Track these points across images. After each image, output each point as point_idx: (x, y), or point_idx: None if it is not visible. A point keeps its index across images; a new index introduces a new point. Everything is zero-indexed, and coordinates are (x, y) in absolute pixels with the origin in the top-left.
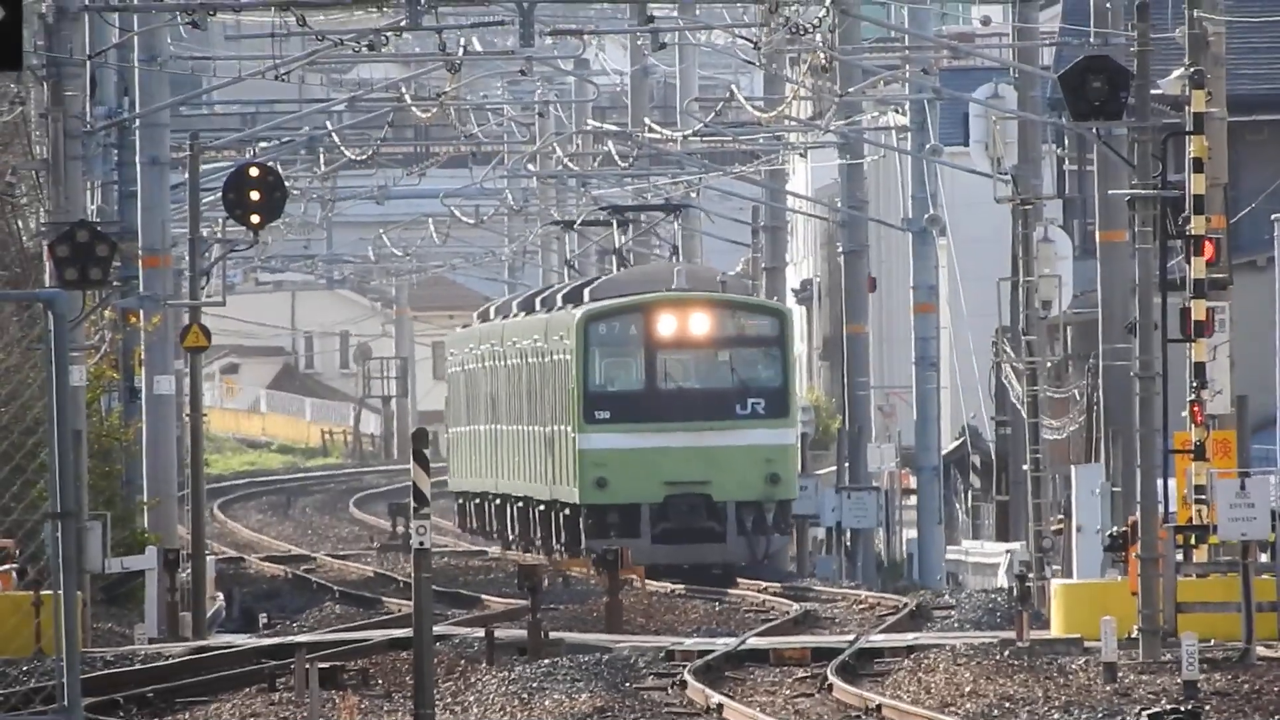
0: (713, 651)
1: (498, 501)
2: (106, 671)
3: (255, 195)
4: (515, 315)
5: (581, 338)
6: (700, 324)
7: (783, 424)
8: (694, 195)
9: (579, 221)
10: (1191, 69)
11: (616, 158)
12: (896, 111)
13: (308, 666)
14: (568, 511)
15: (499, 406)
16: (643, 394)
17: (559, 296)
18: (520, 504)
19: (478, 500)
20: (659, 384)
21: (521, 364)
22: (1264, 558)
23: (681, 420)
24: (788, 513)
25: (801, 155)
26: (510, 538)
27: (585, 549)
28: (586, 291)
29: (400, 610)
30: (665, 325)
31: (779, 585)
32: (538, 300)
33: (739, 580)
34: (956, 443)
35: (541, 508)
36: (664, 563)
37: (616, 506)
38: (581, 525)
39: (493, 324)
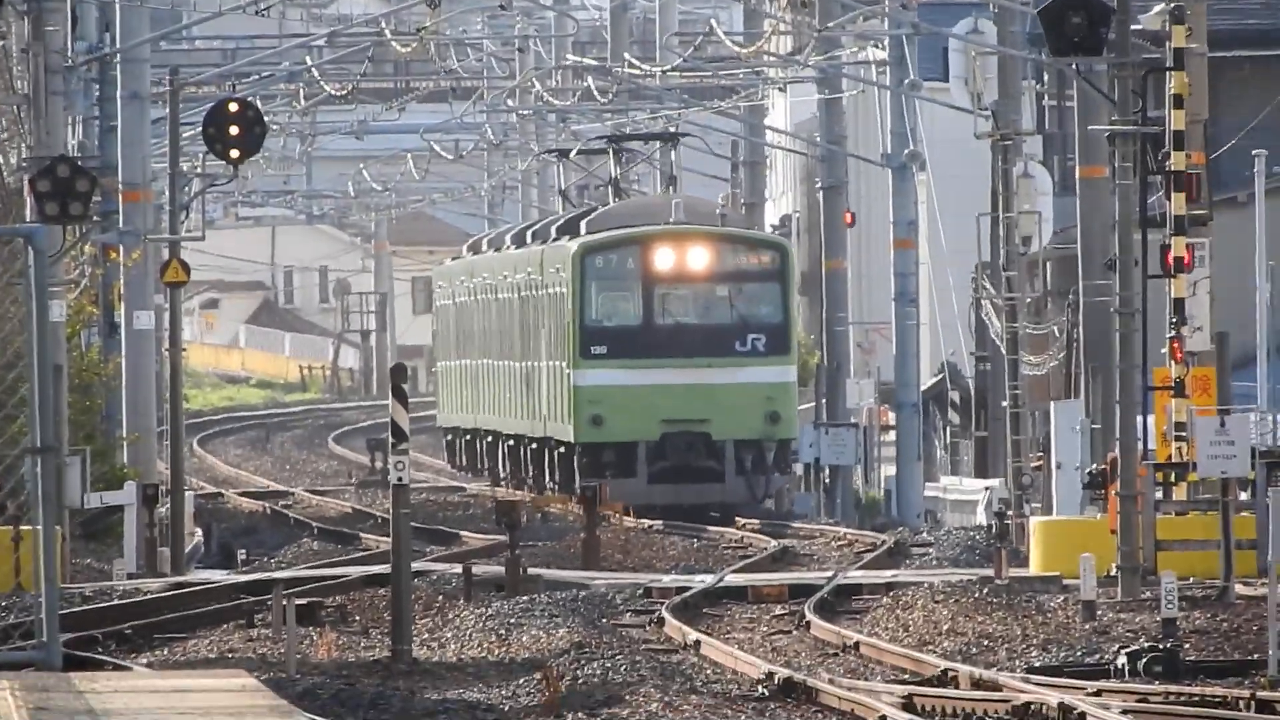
0: (690, 588)
1: (489, 439)
2: (85, 607)
3: (235, 130)
4: (507, 248)
5: (578, 270)
6: (699, 258)
7: (783, 361)
8: (673, 129)
9: (575, 151)
10: (1172, 4)
11: (596, 93)
12: (876, 46)
13: (285, 603)
14: (562, 450)
15: (490, 341)
16: (640, 329)
17: (554, 228)
18: (511, 441)
19: (468, 436)
20: (657, 319)
21: (514, 298)
22: (1243, 495)
23: (680, 356)
24: (788, 452)
25: (781, 90)
26: (501, 475)
27: (580, 488)
28: (583, 224)
29: (378, 546)
30: (663, 259)
31: (757, 521)
32: (529, 233)
33: (739, 520)
34: (936, 379)
35: (534, 445)
36: (661, 503)
37: (612, 445)
38: (576, 464)
39: (484, 256)
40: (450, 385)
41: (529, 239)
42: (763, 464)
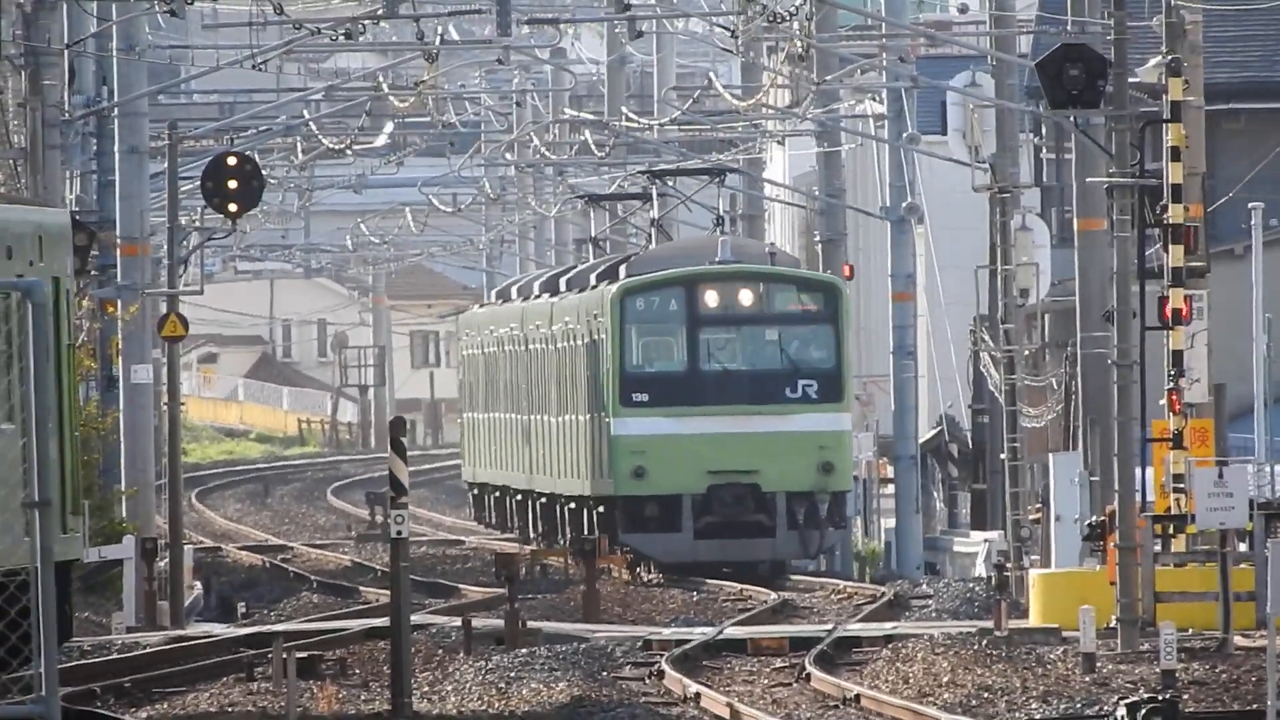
0: (690, 641)
1: (518, 496)
2: (84, 661)
3: (233, 184)
4: (538, 296)
5: (617, 314)
6: (748, 299)
7: (836, 408)
8: (671, 183)
9: (613, 188)
10: (1169, 57)
11: (593, 147)
12: (874, 99)
13: (285, 656)
14: (601, 508)
15: (521, 394)
16: (685, 375)
17: (592, 276)
18: (544, 499)
19: (497, 493)
20: (702, 365)
21: (547, 349)
22: (1242, 547)
23: (727, 404)
24: (843, 505)
25: (779, 143)
26: (534, 534)
27: (620, 545)
28: (623, 268)
29: (378, 600)
30: (710, 300)
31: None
32: (562, 280)
33: (791, 578)
34: (934, 432)
35: (573, 504)
36: (707, 559)
37: (655, 498)
38: (617, 518)
39: (513, 305)
40: (478, 439)
41: (562, 286)
42: (815, 517)
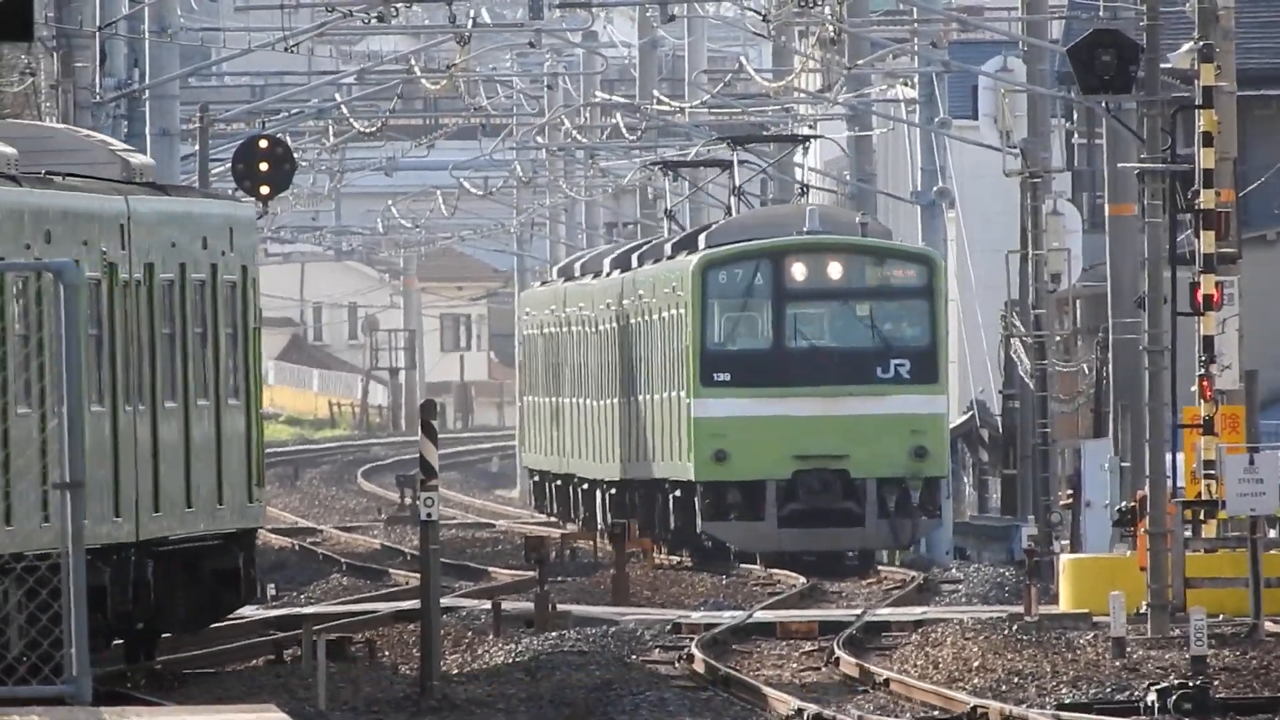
0: (720, 624)
1: (585, 485)
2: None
3: (264, 166)
4: (608, 273)
5: (698, 287)
6: (837, 273)
7: (932, 390)
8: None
9: (692, 154)
10: (1201, 42)
11: (624, 130)
12: (905, 84)
13: (315, 638)
14: (679, 492)
15: (590, 376)
16: (769, 353)
17: (668, 246)
18: (614, 489)
19: (559, 481)
20: (788, 342)
21: (618, 327)
22: (1272, 533)
23: (814, 384)
24: (937, 492)
25: (810, 127)
26: (600, 524)
27: (701, 534)
28: (702, 238)
29: (407, 582)
30: (797, 274)
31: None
32: (634, 255)
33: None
34: (965, 417)
35: (642, 490)
36: (792, 549)
37: (737, 484)
38: (697, 506)
39: (581, 284)
40: (540, 424)
41: (635, 262)
42: (907, 505)
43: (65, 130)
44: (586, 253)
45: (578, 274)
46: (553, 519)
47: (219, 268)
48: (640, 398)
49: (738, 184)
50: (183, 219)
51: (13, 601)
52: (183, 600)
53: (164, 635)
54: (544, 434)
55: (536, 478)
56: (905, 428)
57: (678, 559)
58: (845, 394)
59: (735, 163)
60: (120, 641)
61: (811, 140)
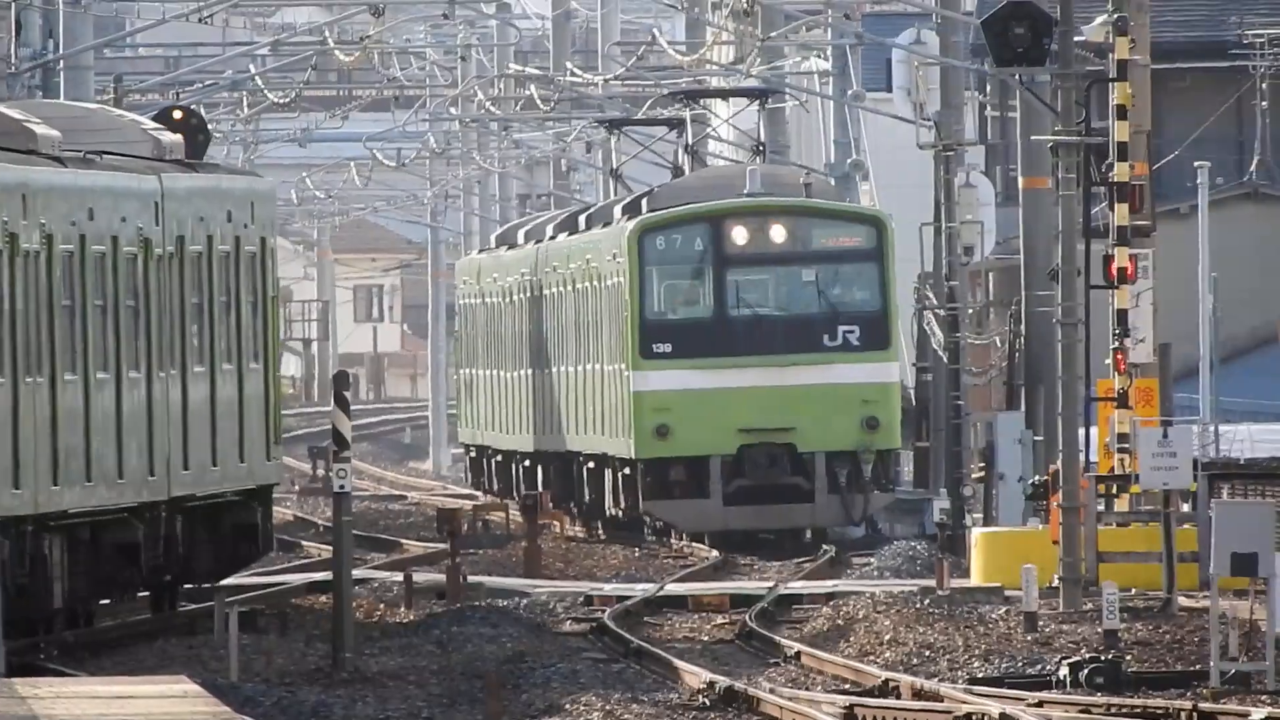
0: (632, 597)
1: (526, 461)
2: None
3: (179, 138)
4: (552, 238)
5: (635, 255)
6: (780, 236)
7: (883, 357)
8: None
9: (643, 112)
10: (1115, 15)
11: (538, 102)
12: (819, 56)
13: (227, 610)
14: (625, 470)
15: (530, 348)
16: (711, 322)
17: (616, 209)
18: (558, 461)
19: (499, 457)
20: (731, 310)
21: (562, 293)
22: (1185, 507)
23: (759, 354)
24: (890, 466)
25: (722, 100)
26: (546, 503)
27: (643, 514)
28: (644, 202)
29: (320, 554)
30: (738, 238)
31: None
32: (582, 218)
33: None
34: None
35: (591, 464)
36: (739, 527)
37: (681, 460)
38: (639, 484)
39: (522, 250)
40: (476, 397)
41: (581, 225)
42: (859, 480)
43: (100, 110)
44: (530, 219)
45: (520, 241)
46: (491, 496)
47: (241, 239)
48: (585, 367)
49: (690, 142)
50: (209, 193)
51: None
52: (206, 553)
53: (185, 586)
54: (482, 408)
55: (474, 453)
56: (855, 398)
57: (588, 532)
58: (791, 364)
59: (688, 120)
60: (146, 593)
61: (770, 96)
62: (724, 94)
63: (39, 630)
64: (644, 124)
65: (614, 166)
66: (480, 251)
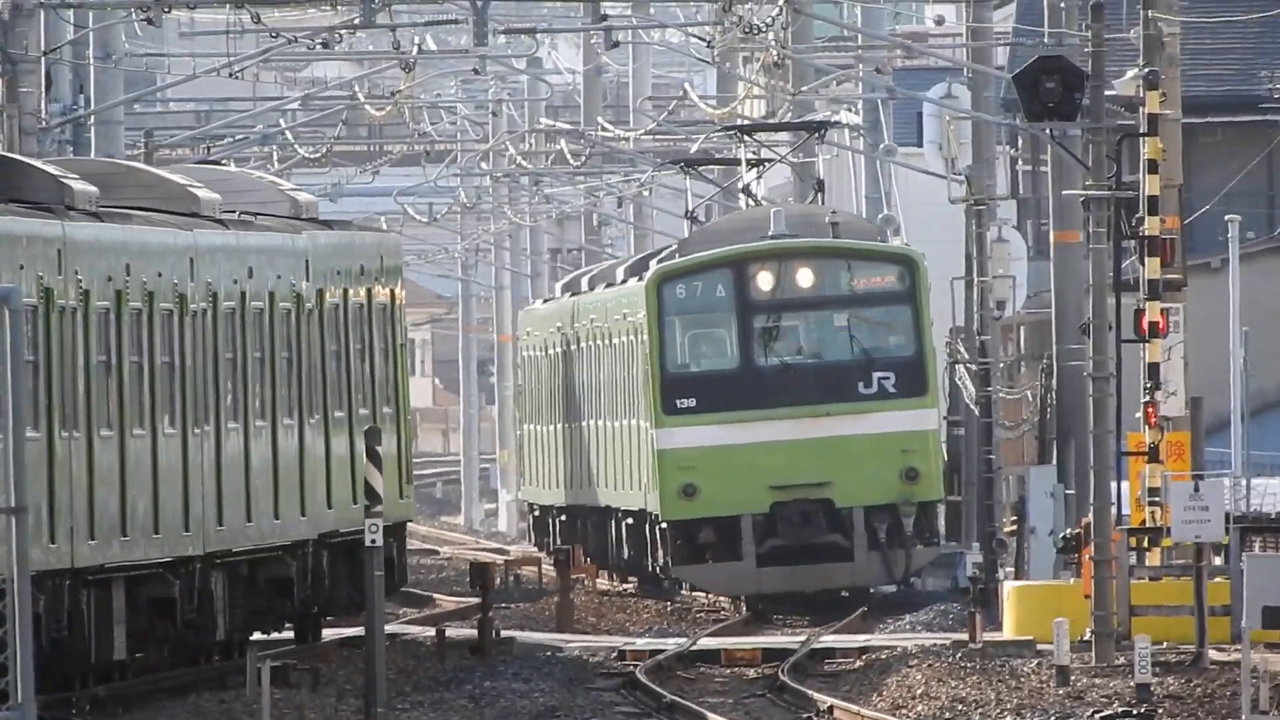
0: (664, 651)
1: (594, 518)
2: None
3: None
4: (615, 284)
5: (654, 305)
6: (808, 280)
7: (920, 403)
8: (646, 194)
9: (693, 149)
10: (1146, 70)
11: (569, 156)
12: (850, 111)
13: (259, 665)
14: (659, 528)
15: (574, 400)
16: (737, 374)
17: (652, 261)
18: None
19: (564, 516)
20: (757, 360)
21: (593, 346)
22: (1217, 561)
23: (789, 405)
24: (933, 518)
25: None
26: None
27: (672, 579)
28: (678, 249)
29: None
30: (762, 283)
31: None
32: (620, 270)
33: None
34: None
35: (614, 520)
36: (774, 591)
37: (710, 521)
38: (668, 546)
39: (583, 298)
40: (538, 454)
41: (620, 277)
42: (900, 535)
43: (240, 173)
44: (599, 265)
45: (584, 289)
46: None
47: (372, 291)
48: (616, 423)
49: (745, 182)
50: (345, 249)
51: None
52: (347, 587)
53: (327, 618)
54: (545, 464)
55: (537, 513)
56: (894, 448)
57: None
58: (824, 414)
59: (744, 160)
60: (290, 626)
61: (827, 128)
62: (781, 127)
63: (199, 661)
64: (719, 164)
65: (689, 209)
66: (543, 302)
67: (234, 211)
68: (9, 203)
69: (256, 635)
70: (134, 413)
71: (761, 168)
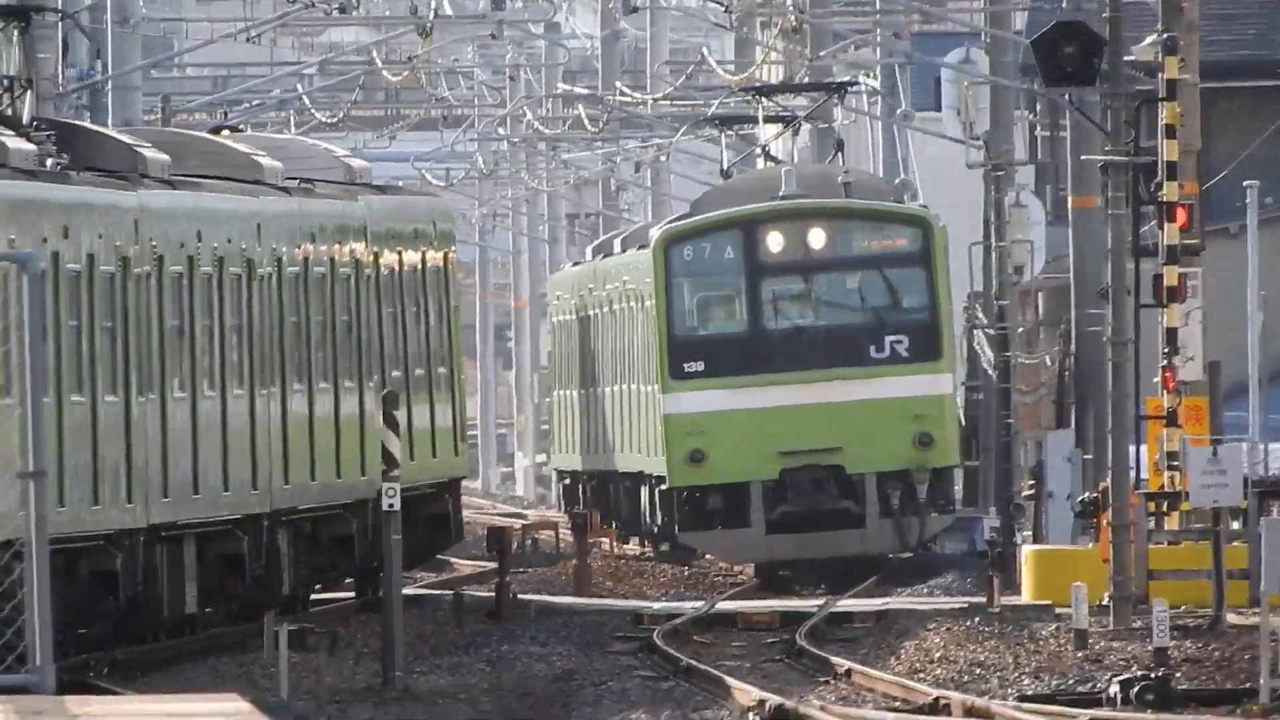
0: (681, 615)
1: (626, 482)
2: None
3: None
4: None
5: (662, 267)
6: (819, 241)
7: (934, 368)
8: (664, 159)
9: (709, 113)
10: (1165, 35)
11: (587, 121)
12: (868, 76)
13: (276, 629)
14: (661, 492)
15: (602, 365)
16: (746, 337)
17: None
18: (610, 480)
19: (594, 481)
20: (767, 323)
21: (624, 309)
22: (1235, 525)
23: (800, 369)
24: (947, 485)
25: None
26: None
27: (677, 544)
28: (691, 210)
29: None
30: (772, 245)
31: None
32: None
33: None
34: None
35: (627, 484)
36: (784, 557)
37: (718, 487)
38: (675, 512)
39: (609, 260)
40: (569, 420)
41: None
42: (913, 501)
43: (296, 140)
44: (632, 226)
45: (616, 250)
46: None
47: (426, 254)
48: (622, 387)
49: (762, 142)
50: (399, 213)
51: None
52: (406, 542)
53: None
54: (573, 431)
55: (568, 480)
56: (906, 413)
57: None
58: (836, 378)
59: (761, 119)
60: (350, 580)
61: (846, 89)
62: (800, 88)
63: (262, 614)
64: (751, 121)
65: (724, 167)
66: (573, 265)
67: (294, 179)
68: (85, 171)
69: (319, 591)
70: (205, 376)
71: (783, 129)
